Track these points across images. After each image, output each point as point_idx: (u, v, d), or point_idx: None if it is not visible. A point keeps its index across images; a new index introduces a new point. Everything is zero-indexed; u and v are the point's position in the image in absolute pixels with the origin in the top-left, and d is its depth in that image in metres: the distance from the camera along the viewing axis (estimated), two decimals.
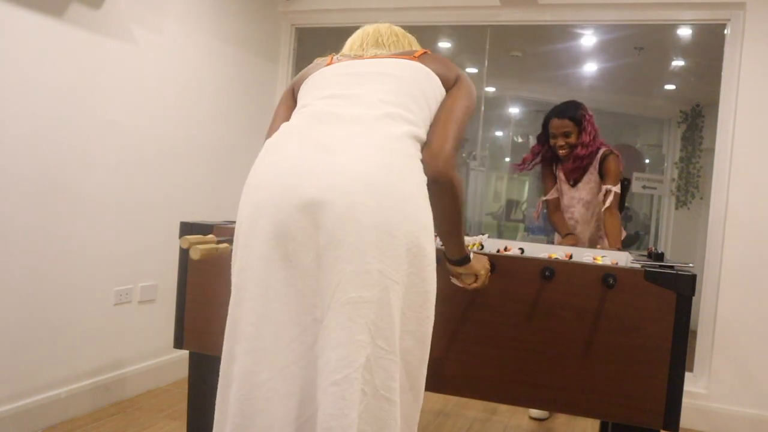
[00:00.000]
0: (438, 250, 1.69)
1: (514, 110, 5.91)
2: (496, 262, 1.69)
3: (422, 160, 1.31)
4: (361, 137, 1.22)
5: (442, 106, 1.42)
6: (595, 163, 2.97)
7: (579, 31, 4.39)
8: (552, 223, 3.14)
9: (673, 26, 3.98)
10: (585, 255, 2.14)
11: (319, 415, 1.14)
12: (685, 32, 4.23)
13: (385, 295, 1.13)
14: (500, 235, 6.00)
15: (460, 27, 4.52)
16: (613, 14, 3.52)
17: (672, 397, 1.56)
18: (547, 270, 1.63)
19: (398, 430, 1.19)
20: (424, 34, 5.12)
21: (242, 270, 1.22)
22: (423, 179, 1.26)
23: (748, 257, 3.12)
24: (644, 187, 5.23)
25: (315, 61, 1.61)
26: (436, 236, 1.40)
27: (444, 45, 5.45)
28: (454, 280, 1.58)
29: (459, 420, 3.02)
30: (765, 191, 3.11)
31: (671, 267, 1.61)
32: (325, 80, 1.42)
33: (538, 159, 3.09)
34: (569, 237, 2.97)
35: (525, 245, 2.36)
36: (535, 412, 3.09)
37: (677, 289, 1.56)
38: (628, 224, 5.51)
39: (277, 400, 1.17)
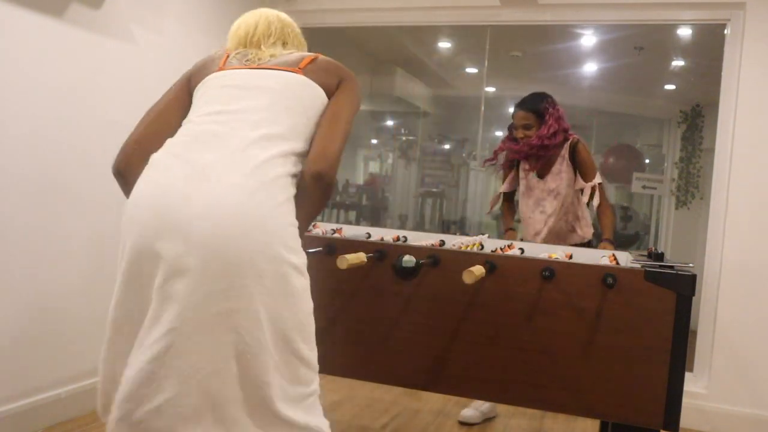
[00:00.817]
0: (433, 249, 1.68)
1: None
2: (496, 262, 1.69)
3: (307, 159, 1.44)
4: (232, 164, 1.34)
5: (328, 108, 1.53)
6: (564, 153, 2.88)
7: (579, 31, 4.39)
8: (502, 214, 3.14)
9: (673, 26, 3.98)
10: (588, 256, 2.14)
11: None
12: (685, 32, 4.23)
13: (252, 304, 1.29)
14: (500, 235, 6.00)
15: (460, 27, 4.53)
16: (613, 14, 3.52)
17: (672, 397, 1.56)
18: (547, 270, 1.63)
19: (286, 404, 1.35)
20: (424, 34, 5.14)
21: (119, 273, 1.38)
22: (288, 196, 1.39)
23: (748, 257, 3.12)
24: (644, 187, 5.23)
25: (212, 53, 1.70)
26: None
27: (444, 45, 5.45)
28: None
29: (458, 420, 3.02)
30: (765, 191, 3.11)
31: (671, 267, 1.61)
32: (213, 92, 1.52)
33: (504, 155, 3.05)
34: (509, 232, 2.97)
35: (525, 245, 2.36)
36: (468, 416, 2.96)
37: (677, 289, 1.56)
38: (628, 224, 5.51)
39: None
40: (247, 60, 1.59)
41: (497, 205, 3.15)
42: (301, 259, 1.40)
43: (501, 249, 2.22)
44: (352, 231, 2.48)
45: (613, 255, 2.11)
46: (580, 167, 2.88)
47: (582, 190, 2.87)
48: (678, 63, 5.01)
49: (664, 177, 5.25)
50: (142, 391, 1.28)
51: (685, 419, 3.11)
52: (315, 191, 1.43)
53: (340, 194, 6.63)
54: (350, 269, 1.63)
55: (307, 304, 1.41)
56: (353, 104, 1.57)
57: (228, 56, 1.62)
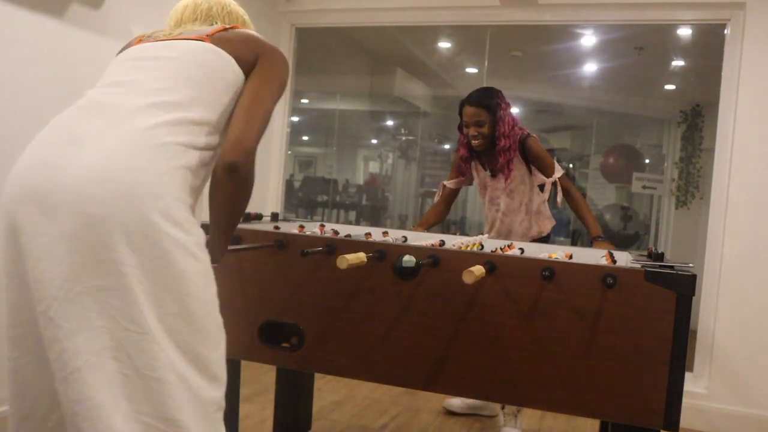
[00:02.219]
0: (433, 249, 1.68)
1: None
2: (496, 262, 1.69)
3: (221, 150, 1.32)
4: (112, 129, 1.22)
5: (245, 89, 1.39)
6: (514, 148, 2.78)
7: (579, 31, 4.39)
8: (429, 210, 3.03)
9: (673, 26, 3.98)
10: (542, 252, 2.14)
11: (63, 405, 1.15)
12: (685, 32, 4.23)
13: (123, 281, 1.14)
14: None
15: (460, 27, 4.53)
16: (613, 14, 3.52)
17: (672, 397, 1.56)
18: (547, 270, 1.63)
19: (181, 408, 1.17)
20: (424, 34, 5.14)
21: None
22: (178, 165, 1.24)
23: (748, 257, 3.12)
24: (644, 187, 5.23)
25: (134, 36, 1.60)
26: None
27: (444, 45, 5.45)
28: None
29: (459, 420, 3.02)
30: (765, 191, 3.11)
31: (671, 267, 1.61)
32: (114, 65, 1.42)
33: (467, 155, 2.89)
34: (417, 227, 2.84)
35: (525, 245, 2.36)
36: (455, 406, 3.04)
37: (677, 289, 1.56)
38: (628, 224, 5.51)
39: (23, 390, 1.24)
40: (155, 33, 1.50)
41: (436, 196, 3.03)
42: (190, 237, 1.22)
43: (501, 249, 2.22)
44: (352, 231, 2.48)
45: (609, 253, 2.11)
46: (534, 163, 2.77)
47: (542, 187, 2.76)
48: (678, 63, 5.01)
49: (664, 177, 5.25)
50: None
51: (685, 419, 3.11)
52: (228, 184, 1.31)
53: (340, 194, 6.63)
54: (350, 269, 1.63)
55: (202, 292, 1.23)
56: (274, 83, 1.42)
57: (143, 36, 1.52)
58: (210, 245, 1.38)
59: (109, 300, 1.14)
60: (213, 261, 1.38)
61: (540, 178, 2.77)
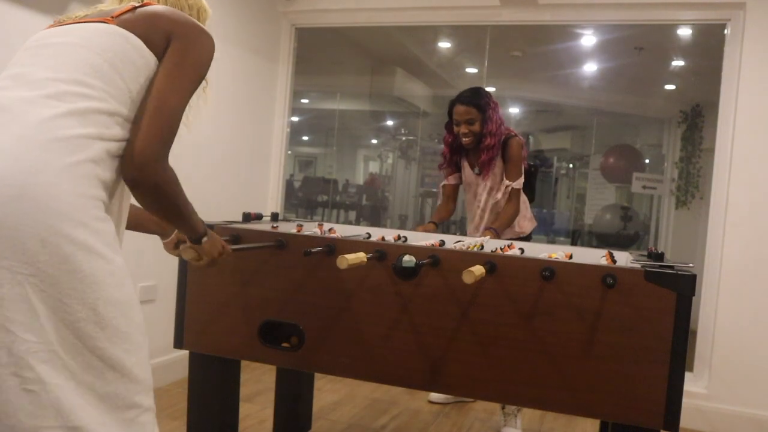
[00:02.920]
0: (433, 249, 1.68)
1: (514, 110, 5.91)
2: (496, 262, 1.69)
3: (122, 162, 1.21)
4: (3, 128, 1.11)
5: (149, 90, 1.24)
6: (498, 148, 2.87)
7: (579, 31, 4.39)
8: (438, 208, 3.09)
9: (673, 26, 3.98)
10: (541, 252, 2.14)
11: None
12: (685, 32, 4.23)
13: (19, 289, 1.06)
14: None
15: (460, 27, 4.53)
16: (613, 14, 3.52)
17: (672, 397, 1.56)
18: (547, 270, 1.63)
19: (87, 415, 1.11)
20: (424, 34, 5.13)
21: None
22: (78, 160, 1.13)
23: (748, 257, 3.12)
24: (644, 187, 5.23)
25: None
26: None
27: (444, 45, 5.45)
28: (185, 253, 1.51)
29: (459, 420, 3.02)
30: (765, 191, 3.11)
31: (671, 267, 1.61)
32: (19, 54, 1.28)
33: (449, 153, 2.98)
34: (429, 224, 2.86)
35: (525, 245, 2.36)
36: (434, 396, 3.20)
37: (677, 289, 1.56)
38: (628, 224, 5.51)
39: None
40: (67, 18, 1.35)
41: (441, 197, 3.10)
42: (96, 237, 1.13)
43: (501, 249, 2.22)
44: (352, 231, 2.48)
45: (610, 253, 2.11)
46: (506, 163, 2.85)
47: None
48: (678, 63, 5.01)
49: (664, 177, 5.25)
50: None
51: (685, 419, 3.11)
52: (140, 198, 1.22)
53: (340, 194, 6.63)
54: (350, 269, 1.63)
55: (111, 293, 1.14)
56: (184, 75, 1.26)
57: (56, 21, 1.38)
58: (197, 240, 1.43)
59: (3, 312, 1.06)
60: (194, 241, 1.42)
61: (504, 179, 2.86)
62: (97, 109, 1.18)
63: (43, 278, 1.08)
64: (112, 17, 1.27)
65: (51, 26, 1.33)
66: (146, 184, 1.19)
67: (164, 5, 1.36)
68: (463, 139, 2.85)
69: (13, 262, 1.06)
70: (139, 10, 1.29)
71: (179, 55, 1.26)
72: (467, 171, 2.98)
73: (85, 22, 1.28)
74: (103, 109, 1.18)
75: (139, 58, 1.24)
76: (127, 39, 1.23)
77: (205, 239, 1.46)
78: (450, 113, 2.94)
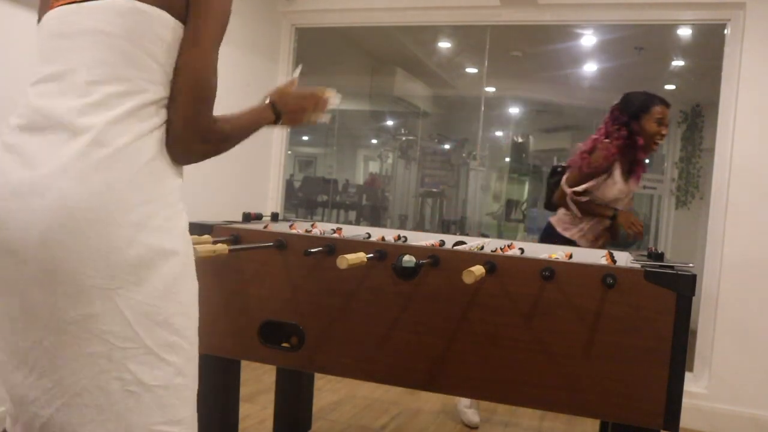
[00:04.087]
0: (433, 249, 1.68)
1: (514, 110, 5.91)
2: (496, 262, 1.69)
3: (167, 143, 1.19)
4: (62, 147, 1.10)
5: (180, 56, 1.18)
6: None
7: (579, 31, 4.39)
8: (592, 210, 2.86)
9: (673, 26, 3.98)
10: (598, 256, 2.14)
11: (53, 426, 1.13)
12: (685, 32, 4.23)
13: (110, 304, 1.11)
14: (500, 235, 6.00)
15: (460, 27, 4.53)
16: (613, 14, 3.52)
17: (672, 397, 1.56)
18: (547, 270, 1.63)
19: (185, 406, 1.26)
20: (424, 34, 5.13)
21: None
22: (138, 168, 1.14)
23: (748, 257, 3.12)
24: (644, 187, 5.23)
25: None
26: None
27: (444, 45, 5.45)
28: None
29: (459, 420, 3.02)
30: (765, 191, 3.11)
31: (671, 267, 1.61)
32: (42, 44, 1.23)
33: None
34: (623, 213, 2.73)
35: (525, 245, 2.36)
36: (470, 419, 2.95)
37: (677, 289, 1.56)
38: None
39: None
40: None
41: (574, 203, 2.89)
42: (167, 238, 1.18)
43: (501, 249, 2.22)
44: (352, 231, 2.48)
45: (610, 253, 2.11)
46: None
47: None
48: (678, 63, 5.01)
49: (664, 177, 5.25)
50: None
51: (685, 419, 3.10)
52: (206, 157, 1.25)
53: (340, 194, 6.63)
54: (350, 269, 1.63)
55: (188, 284, 1.27)
56: (211, 36, 1.20)
57: None
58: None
59: (96, 326, 1.11)
60: (276, 123, 1.43)
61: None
62: (142, 104, 1.15)
63: (129, 288, 1.12)
64: None
65: (55, 3, 1.23)
66: (201, 158, 1.23)
67: None
68: (660, 141, 2.81)
69: (98, 280, 1.10)
70: None
71: (202, 16, 1.19)
72: (617, 178, 2.82)
73: None
74: (148, 101, 1.16)
75: (168, 31, 1.17)
76: (150, 15, 1.16)
77: (282, 116, 1.45)
78: (643, 110, 2.83)
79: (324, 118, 1.58)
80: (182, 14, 1.18)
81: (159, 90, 1.18)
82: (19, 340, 1.14)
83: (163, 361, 1.18)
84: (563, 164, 3.08)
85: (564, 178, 2.94)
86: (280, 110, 1.45)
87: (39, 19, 1.28)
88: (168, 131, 1.19)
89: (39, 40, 1.25)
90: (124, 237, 1.11)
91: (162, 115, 1.19)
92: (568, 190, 2.87)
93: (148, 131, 1.16)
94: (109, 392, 1.12)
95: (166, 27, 1.17)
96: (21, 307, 1.12)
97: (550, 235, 2.94)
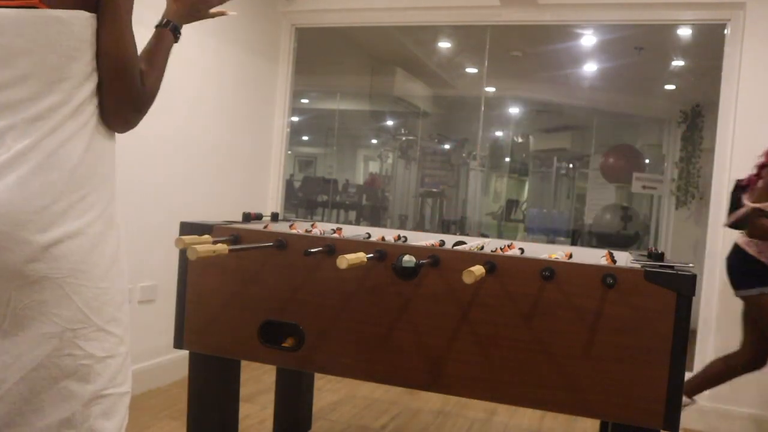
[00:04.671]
0: (433, 249, 1.68)
1: (514, 110, 5.91)
2: (496, 262, 1.69)
3: (105, 117, 1.26)
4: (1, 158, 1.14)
5: (100, 46, 1.22)
6: None
7: (579, 31, 4.39)
8: None
9: (673, 26, 3.98)
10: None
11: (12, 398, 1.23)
12: (685, 32, 4.23)
13: (59, 291, 1.21)
14: (500, 235, 6.00)
15: (460, 27, 4.53)
16: (613, 14, 3.52)
17: (672, 397, 1.56)
18: (547, 270, 1.63)
19: (119, 375, 1.35)
20: (424, 34, 5.13)
21: None
22: (80, 153, 1.20)
23: None
24: (644, 187, 5.23)
25: None
26: None
27: (444, 45, 5.45)
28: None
29: (459, 420, 3.02)
30: None
31: (671, 267, 1.61)
32: None
33: None
34: None
35: (525, 245, 2.36)
36: None
37: (677, 289, 1.56)
38: (628, 224, 5.51)
39: None
40: None
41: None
42: (103, 226, 1.26)
43: (501, 249, 2.22)
44: (352, 231, 2.49)
45: (609, 253, 2.11)
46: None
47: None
48: (678, 63, 5.01)
49: (664, 177, 5.25)
50: None
51: (685, 419, 3.11)
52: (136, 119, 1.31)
53: (340, 194, 6.63)
54: (350, 269, 1.63)
55: (122, 265, 1.35)
56: (122, 20, 1.24)
57: None
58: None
59: (50, 309, 1.21)
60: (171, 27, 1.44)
61: None
62: (81, 108, 1.21)
63: (76, 275, 1.22)
64: None
65: None
66: (139, 121, 1.32)
67: None
68: None
69: (46, 272, 1.19)
70: None
71: (111, 5, 1.23)
72: None
73: (11, 4, 1.15)
74: (86, 102, 1.21)
75: (88, 32, 1.20)
76: (68, 22, 1.17)
77: (179, 29, 1.49)
78: None
79: (229, 12, 1.61)
80: (94, 5, 1.21)
81: (88, 86, 1.22)
82: None
83: (110, 334, 1.30)
84: (744, 179, 2.87)
85: (746, 194, 2.73)
86: (177, 23, 1.48)
87: None
88: (103, 111, 1.26)
89: None
90: (63, 230, 1.19)
91: (93, 105, 1.24)
92: (754, 205, 2.65)
93: (83, 125, 1.21)
94: (62, 367, 1.23)
95: (87, 26, 1.20)
96: None
97: (744, 261, 2.71)
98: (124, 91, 1.25)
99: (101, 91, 1.25)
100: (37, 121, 1.16)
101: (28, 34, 1.16)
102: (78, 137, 1.21)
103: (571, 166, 6.37)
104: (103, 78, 1.24)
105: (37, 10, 1.15)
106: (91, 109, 1.23)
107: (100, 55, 1.23)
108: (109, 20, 1.23)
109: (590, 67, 5.28)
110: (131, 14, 1.27)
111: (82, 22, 1.19)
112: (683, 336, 1.56)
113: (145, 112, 1.33)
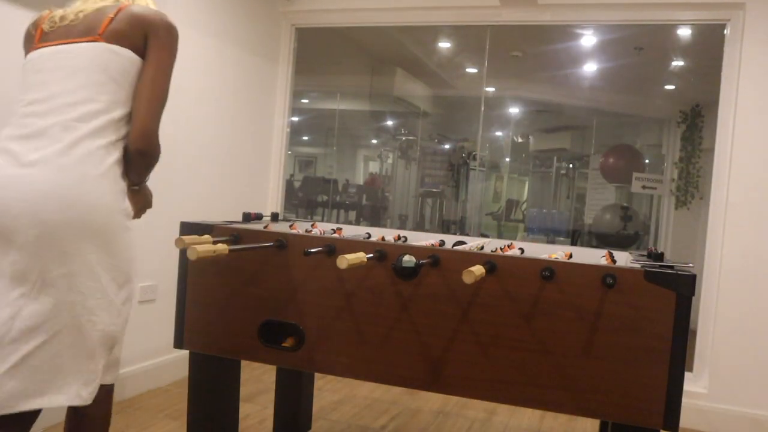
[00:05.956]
0: (433, 249, 1.68)
1: (514, 110, 5.91)
2: (496, 262, 1.69)
3: (130, 137, 1.62)
4: (48, 149, 1.51)
5: (142, 79, 1.63)
6: None
7: (579, 31, 4.39)
8: None
9: (673, 26, 3.98)
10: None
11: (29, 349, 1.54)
12: (685, 32, 4.23)
13: (87, 265, 1.54)
14: (500, 235, 6.00)
15: (460, 27, 4.53)
16: (613, 14, 3.52)
17: (672, 397, 1.56)
18: (547, 270, 1.63)
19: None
20: (424, 34, 5.13)
21: None
22: (107, 166, 1.57)
23: (748, 257, 3.12)
24: (644, 187, 5.23)
25: (28, 28, 1.79)
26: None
27: (444, 45, 5.45)
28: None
29: (459, 420, 3.02)
30: (765, 191, 3.11)
31: (671, 267, 1.61)
32: (30, 78, 1.64)
33: None
34: None
35: (525, 245, 2.36)
36: None
37: (677, 289, 1.56)
38: (628, 224, 5.51)
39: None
40: (53, 25, 1.67)
41: None
42: (126, 217, 1.64)
43: (501, 249, 2.22)
44: (352, 231, 2.49)
45: (609, 253, 2.11)
46: None
47: None
48: (678, 63, 5.00)
49: (663, 177, 5.25)
50: None
51: (685, 419, 3.11)
52: (139, 163, 1.65)
53: (340, 194, 6.62)
54: (350, 269, 1.63)
55: (133, 252, 1.69)
56: (166, 63, 1.64)
57: (42, 30, 1.70)
58: (140, 190, 1.78)
59: (77, 280, 1.53)
60: (139, 187, 1.77)
61: None
62: (110, 120, 1.59)
63: (99, 254, 1.56)
64: (99, 34, 1.61)
65: (46, 42, 1.66)
66: (149, 153, 1.64)
67: (137, 7, 1.67)
68: None
69: (79, 246, 1.52)
70: (118, 18, 1.62)
71: (158, 49, 1.64)
72: None
73: (77, 41, 1.61)
74: (115, 117, 1.60)
75: (131, 65, 1.63)
76: (119, 54, 1.61)
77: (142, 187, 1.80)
78: None
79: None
80: (141, 49, 1.64)
81: (123, 109, 1.62)
82: (12, 291, 1.51)
83: (119, 310, 1.63)
84: None
85: None
86: (143, 189, 1.81)
87: (26, 52, 1.72)
88: (132, 129, 1.62)
89: (27, 74, 1.66)
90: (99, 215, 1.55)
91: (125, 129, 1.63)
92: None
93: (115, 140, 1.60)
94: (82, 331, 1.56)
95: (131, 62, 1.63)
96: (14, 268, 1.51)
97: None
98: (150, 112, 1.62)
99: (133, 113, 1.62)
100: (79, 122, 1.54)
101: (88, 57, 1.59)
102: (112, 146, 1.58)
103: (571, 166, 6.37)
104: (137, 101, 1.62)
105: (99, 43, 1.60)
106: (121, 133, 1.62)
107: (137, 89, 1.63)
108: (151, 67, 1.64)
109: (590, 67, 5.28)
110: (170, 69, 1.67)
111: (130, 58, 1.62)
112: (683, 336, 1.56)
113: (150, 135, 1.65)
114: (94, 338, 1.58)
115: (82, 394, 1.57)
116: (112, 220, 1.57)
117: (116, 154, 1.60)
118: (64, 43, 1.62)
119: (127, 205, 1.64)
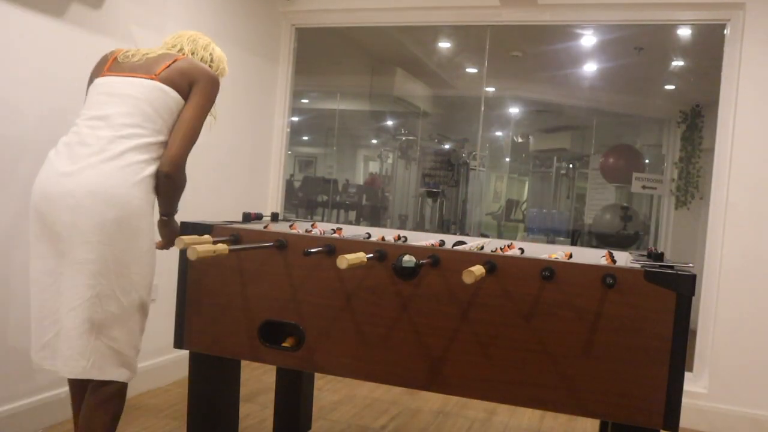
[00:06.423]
0: (433, 249, 1.68)
1: (514, 110, 5.91)
2: (496, 262, 1.69)
3: (160, 162, 1.90)
4: (95, 157, 1.82)
5: (181, 116, 1.95)
6: None
7: (579, 31, 4.39)
8: None
9: (673, 26, 3.98)
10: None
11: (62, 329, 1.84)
12: (685, 32, 4.23)
13: (101, 254, 1.79)
14: (500, 235, 6.00)
15: (460, 27, 4.53)
16: (613, 14, 3.52)
17: (672, 397, 1.56)
18: (547, 270, 1.63)
19: (128, 335, 1.89)
20: (424, 34, 5.14)
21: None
22: (141, 178, 1.85)
23: (748, 257, 3.12)
24: (644, 187, 5.23)
25: (103, 56, 2.10)
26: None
27: (444, 45, 5.45)
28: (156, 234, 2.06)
29: (459, 420, 3.02)
30: (765, 191, 3.11)
31: (671, 267, 1.61)
32: (92, 98, 1.96)
33: None
34: None
35: (525, 245, 2.36)
36: None
37: (677, 289, 1.56)
38: (628, 224, 5.51)
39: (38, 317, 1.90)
40: (125, 59, 2.01)
41: None
42: (150, 224, 1.90)
43: (501, 249, 2.22)
44: (352, 231, 2.48)
45: (609, 253, 2.11)
46: None
47: None
48: (678, 63, 5.00)
49: (663, 177, 5.24)
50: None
51: (685, 419, 3.11)
52: (166, 186, 1.91)
53: (340, 194, 6.62)
54: (350, 269, 1.63)
55: (152, 258, 1.95)
56: (200, 107, 1.97)
57: (116, 58, 2.03)
58: (169, 222, 2.05)
59: (91, 267, 1.79)
60: (165, 215, 2.03)
61: None
62: (150, 143, 1.89)
63: (114, 247, 1.81)
64: (156, 75, 1.94)
65: (113, 71, 1.99)
66: (173, 177, 1.90)
67: (190, 61, 2.02)
68: None
69: (100, 239, 1.79)
70: (173, 66, 1.97)
71: (198, 96, 1.98)
72: None
73: (138, 76, 1.94)
74: (153, 142, 1.90)
75: (175, 105, 1.95)
76: (167, 93, 1.94)
77: (172, 218, 2.06)
78: None
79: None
80: (186, 94, 1.97)
81: (161, 137, 1.93)
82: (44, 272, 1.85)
83: (119, 300, 1.84)
84: None
85: None
86: (171, 219, 2.07)
87: (91, 81, 2.04)
88: (164, 155, 1.92)
89: (91, 94, 1.98)
90: (122, 216, 1.81)
91: (160, 152, 1.92)
92: None
93: (150, 159, 1.89)
94: (92, 311, 1.80)
95: (175, 102, 1.95)
96: (48, 249, 1.84)
97: None
98: (181, 143, 1.92)
99: (169, 139, 1.93)
100: (126, 139, 1.85)
101: (140, 91, 1.92)
102: (145, 162, 1.87)
103: (571, 166, 6.37)
104: (173, 132, 1.93)
105: (152, 81, 1.93)
106: (156, 154, 1.90)
107: (176, 124, 1.94)
108: (190, 107, 1.96)
109: (590, 67, 5.28)
110: (205, 113, 1.99)
111: (175, 98, 1.95)
112: (683, 336, 1.56)
113: (179, 163, 1.92)
114: (99, 319, 1.83)
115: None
116: (140, 223, 1.85)
117: (151, 169, 1.88)
118: (128, 76, 1.95)
119: (152, 213, 1.91)
